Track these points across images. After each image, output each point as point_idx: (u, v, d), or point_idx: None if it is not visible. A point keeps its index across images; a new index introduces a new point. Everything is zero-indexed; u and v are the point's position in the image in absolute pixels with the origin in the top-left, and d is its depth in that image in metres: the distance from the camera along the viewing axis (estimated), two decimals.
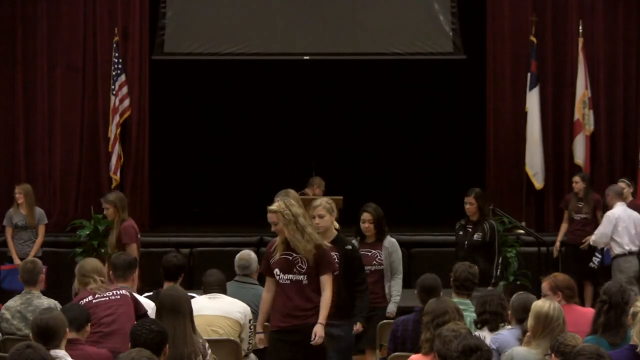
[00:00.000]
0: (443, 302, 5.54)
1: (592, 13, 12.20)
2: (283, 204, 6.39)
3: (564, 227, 10.90)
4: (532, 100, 11.96)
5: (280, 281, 6.34)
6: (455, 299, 6.13)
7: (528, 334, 5.29)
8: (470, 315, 6.11)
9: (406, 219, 12.25)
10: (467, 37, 12.31)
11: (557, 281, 6.14)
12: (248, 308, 6.65)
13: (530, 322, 5.25)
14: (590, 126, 11.93)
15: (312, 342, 6.22)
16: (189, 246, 11.52)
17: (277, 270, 6.34)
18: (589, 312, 5.85)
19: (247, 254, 7.53)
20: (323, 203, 7.00)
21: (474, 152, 12.95)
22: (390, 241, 7.83)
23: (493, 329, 5.85)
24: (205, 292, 6.79)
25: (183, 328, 5.15)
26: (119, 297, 5.79)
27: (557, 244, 10.80)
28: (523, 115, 12.05)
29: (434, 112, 13.89)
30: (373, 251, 7.73)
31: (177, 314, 5.16)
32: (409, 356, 5.43)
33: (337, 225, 7.14)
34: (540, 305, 5.27)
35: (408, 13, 12.43)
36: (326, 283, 6.29)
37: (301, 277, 6.29)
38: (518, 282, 10.45)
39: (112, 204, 9.03)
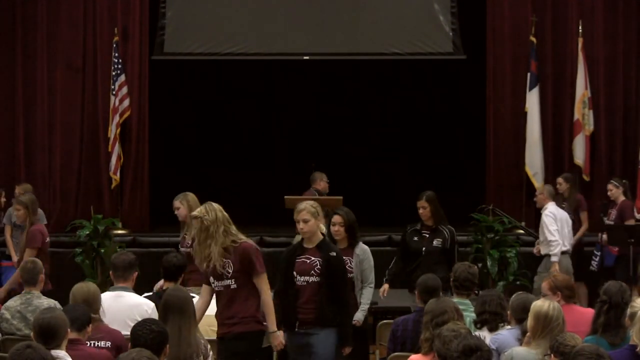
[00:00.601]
0: (442, 302, 5.56)
1: (592, 13, 12.21)
2: (204, 209, 6.23)
3: None
4: (532, 100, 11.96)
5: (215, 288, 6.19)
6: (455, 299, 6.13)
7: (528, 334, 5.29)
8: (470, 315, 6.11)
9: (406, 219, 12.22)
10: (467, 37, 12.32)
11: (557, 281, 6.14)
12: None
13: (529, 322, 5.25)
14: (590, 126, 11.93)
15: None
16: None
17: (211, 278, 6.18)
18: (588, 312, 5.85)
19: None
20: (307, 207, 6.62)
21: (474, 152, 12.95)
22: (362, 248, 7.37)
23: (492, 329, 5.85)
24: None
25: (188, 328, 5.18)
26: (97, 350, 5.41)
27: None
28: (523, 115, 12.05)
29: (434, 112, 13.89)
30: (344, 258, 6.95)
31: (183, 314, 5.19)
32: (408, 356, 5.44)
33: (323, 229, 6.91)
34: (540, 305, 5.27)
35: (408, 13, 12.43)
36: (260, 285, 6.15)
37: (228, 281, 6.13)
38: (518, 282, 10.46)
39: (24, 206, 9.02)
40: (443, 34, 12.33)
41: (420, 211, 8.24)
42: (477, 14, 12.37)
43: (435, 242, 8.12)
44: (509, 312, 5.80)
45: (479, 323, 5.92)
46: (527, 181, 12.03)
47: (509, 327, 5.77)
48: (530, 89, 11.97)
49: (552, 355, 4.80)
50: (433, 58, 12.47)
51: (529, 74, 11.97)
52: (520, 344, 5.36)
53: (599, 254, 10.59)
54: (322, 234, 6.75)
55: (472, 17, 12.46)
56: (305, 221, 6.56)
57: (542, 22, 12.17)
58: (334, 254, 6.64)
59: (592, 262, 10.54)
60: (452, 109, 13.83)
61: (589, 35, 12.10)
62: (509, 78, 12.24)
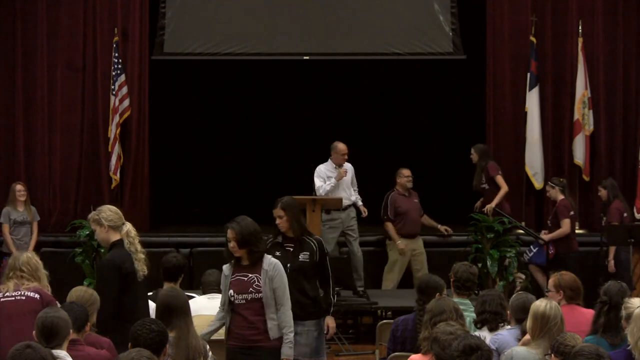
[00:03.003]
0: (442, 302, 5.56)
1: (592, 13, 12.21)
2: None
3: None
4: (532, 100, 11.97)
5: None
6: (456, 299, 6.13)
7: (527, 334, 5.29)
8: (470, 315, 6.11)
9: None
10: (467, 37, 12.31)
11: (562, 280, 6.14)
12: None
13: (528, 322, 5.25)
14: (590, 126, 11.93)
15: None
16: (189, 246, 11.52)
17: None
18: (589, 312, 5.85)
19: None
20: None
21: None
22: (270, 262, 6.11)
23: (493, 328, 5.85)
24: (204, 292, 6.80)
25: (192, 329, 5.20)
26: (24, 298, 5.87)
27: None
28: (523, 115, 12.05)
29: (434, 112, 13.89)
30: (250, 275, 6.05)
31: (187, 315, 5.21)
32: (408, 356, 5.43)
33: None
34: (538, 305, 5.27)
35: (408, 13, 12.43)
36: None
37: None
38: (517, 282, 10.46)
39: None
40: (443, 34, 12.33)
41: (277, 221, 6.98)
42: (477, 14, 12.37)
43: (302, 257, 6.84)
44: (508, 312, 5.80)
45: (479, 323, 5.93)
46: (527, 181, 12.03)
47: (509, 327, 5.77)
48: (530, 89, 11.98)
49: (552, 355, 4.80)
50: (433, 58, 12.46)
51: (529, 74, 11.98)
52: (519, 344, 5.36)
53: (535, 250, 10.63)
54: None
55: (472, 17, 12.46)
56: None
57: (542, 22, 12.17)
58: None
59: (525, 255, 10.61)
60: (452, 109, 13.83)
61: (589, 35, 12.11)
62: (509, 78, 12.25)
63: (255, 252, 6.06)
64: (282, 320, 5.97)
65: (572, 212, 10.69)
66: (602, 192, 10.86)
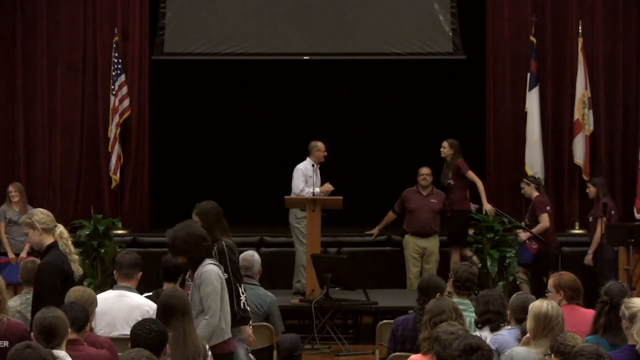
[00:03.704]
0: (441, 302, 5.56)
1: (592, 13, 12.21)
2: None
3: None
4: (532, 100, 11.97)
5: None
6: (455, 299, 6.13)
7: (527, 334, 5.28)
8: (470, 315, 6.11)
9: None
10: (467, 37, 12.31)
11: (562, 280, 6.12)
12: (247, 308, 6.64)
13: (529, 323, 5.24)
14: (590, 126, 11.93)
15: None
16: None
17: None
18: (589, 312, 5.84)
19: (251, 255, 7.53)
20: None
21: (474, 152, 12.94)
22: (202, 270, 5.92)
23: (494, 328, 5.84)
24: None
25: (191, 329, 5.20)
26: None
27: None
28: (523, 115, 12.05)
29: (434, 112, 13.88)
30: (190, 283, 5.99)
31: (186, 316, 5.20)
32: (408, 356, 5.43)
33: None
34: (538, 305, 5.26)
35: (408, 13, 12.43)
36: None
37: None
38: (517, 282, 10.46)
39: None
40: (443, 34, 12.33)
41: None
42: (477, 14, 12.38)
43: None
44: (508, 312, 5.79)
45: (481, 323, 5.91)
46: None
47: (509, 327, 5.76)
48: (530, 89, 11.98)
49: (552, 355, 4.80)
50: (433, 58, 12.46)
51: (529, 74, 11.98)
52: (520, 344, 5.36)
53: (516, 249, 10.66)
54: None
55: (472, 17, 12.46)
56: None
57: (542, 22, 12.17)
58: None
59: None
60: (452, 109, 13.82)
61: (589, 35, 12.11)
62: (509, 78, 12.25)
63: (191, 259, 5.97)
64: (200, 330, 5.61)
65: (548, 208, 10.73)
66: (591, 189, 10.84)
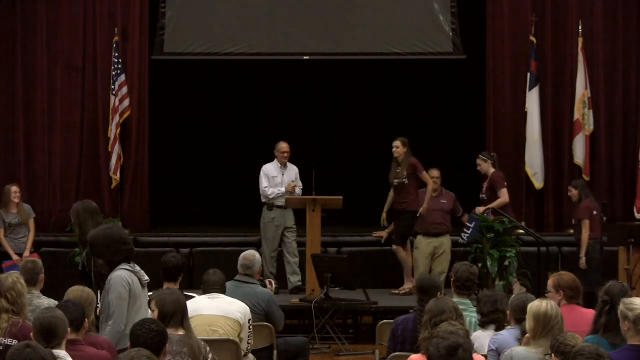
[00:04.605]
0: (441, 302, 5.55)
1: (592, 13, 12.21)
2: None
3: None
4: (532, 100, 11.97)
5: None
6: (455, 299, 6.13)
7: (527, 334, 5.28)
8: (470, 315, 6.11)
9: None
10: (467, 37, 12.32)
11: (562, 280, 6.11)
12: (247, 308, 6.65)
13: (529, 323, 5.23)
14: (590, 126, 11.93)
15: None
16: (189, 246, 11.53)
17: None
18: (589, 312, 5.84)
19: (252, 255, 7.51)
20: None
21: (474, 152, 12.93)
22: (110, 277, 5.81)
23: (500, 328, 5.83)
24: (205, 292, 6.78)
25: (192, 330, 5.21)
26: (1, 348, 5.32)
27: None
28: (523, 115, 12.06)
29: (434, 112, 13.88)
30: None
31: (187, 317, 5.21)
32: (408, 356, 5.42)
33: None
34: (538, 305, 5.25)
35: (408, 13, 12.44)
36: None
37: None
38: (514, 282, 10.44)
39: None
40: (443, 34, 12.33)
41: None
42: (477, 14, 12.38)
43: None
44: (508, 312, 5.79)
45: (490, 322, 5.88)
46: (527, 181, 12.03)
47: (509, 327, 5.76)
48: (530, 89, 11.98)
49: (552, 355, 4.79)
50: (433, 58, 12.47)
51: (529, 74, 11.98)
52: (520, 345, 5.35)
53: (471, 225, 10.56)
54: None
55: (472, 17, 12.46)
56: None
57: (542, 22, 12.18)
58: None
59: (463, 234, 10.54)
60: (452, 109, 13.83)
61: (589, 36, 12.11)
62: (509, 78, 12.25)
63: (110, 262, 5.88)
64: (105, 337, 5.55)
65: (506, 183, 10.74)
66: (573, 193, 10.80)
